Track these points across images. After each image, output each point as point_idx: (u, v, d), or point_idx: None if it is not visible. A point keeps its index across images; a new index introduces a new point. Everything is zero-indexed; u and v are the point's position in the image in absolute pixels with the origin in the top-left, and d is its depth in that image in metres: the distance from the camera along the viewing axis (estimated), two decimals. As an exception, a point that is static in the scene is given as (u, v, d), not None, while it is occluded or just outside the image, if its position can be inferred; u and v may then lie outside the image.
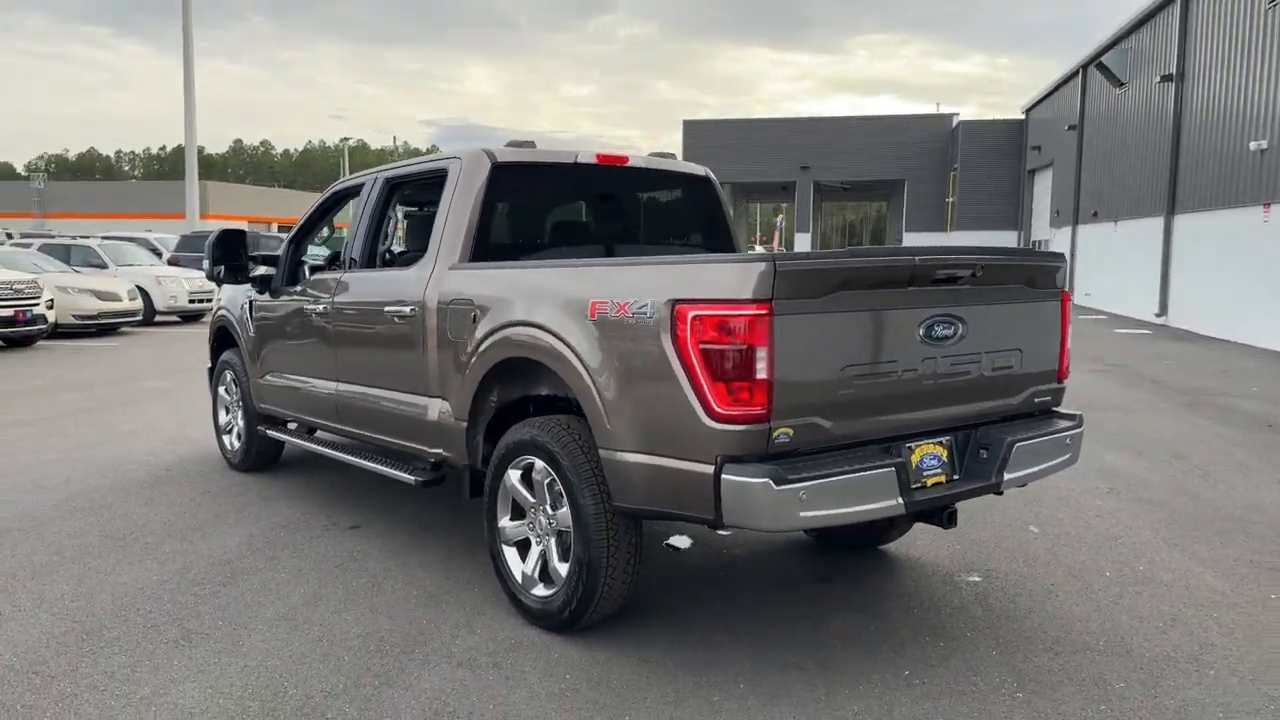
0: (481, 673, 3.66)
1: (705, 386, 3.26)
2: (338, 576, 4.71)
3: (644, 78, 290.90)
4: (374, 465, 5.14)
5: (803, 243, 43.15)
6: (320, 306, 5.55)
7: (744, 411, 3.23)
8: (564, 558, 3.94)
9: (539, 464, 3.97)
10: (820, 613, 4.27)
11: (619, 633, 4.02)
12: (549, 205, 5.46)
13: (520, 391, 4.31)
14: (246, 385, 6.57)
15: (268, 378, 6.28)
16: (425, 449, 4.75)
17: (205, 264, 6.17)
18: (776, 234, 76.00)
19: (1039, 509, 5.95)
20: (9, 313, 14.53)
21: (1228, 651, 3.86)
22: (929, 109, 55.15)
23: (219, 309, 7.03)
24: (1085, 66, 27.95)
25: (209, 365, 7.31)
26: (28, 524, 5.56)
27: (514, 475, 4.13)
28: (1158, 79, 21.10)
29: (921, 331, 3.62)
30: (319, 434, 6.17)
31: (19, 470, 6.88)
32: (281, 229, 48.24)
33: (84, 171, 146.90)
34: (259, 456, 6.74)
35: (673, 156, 5.49)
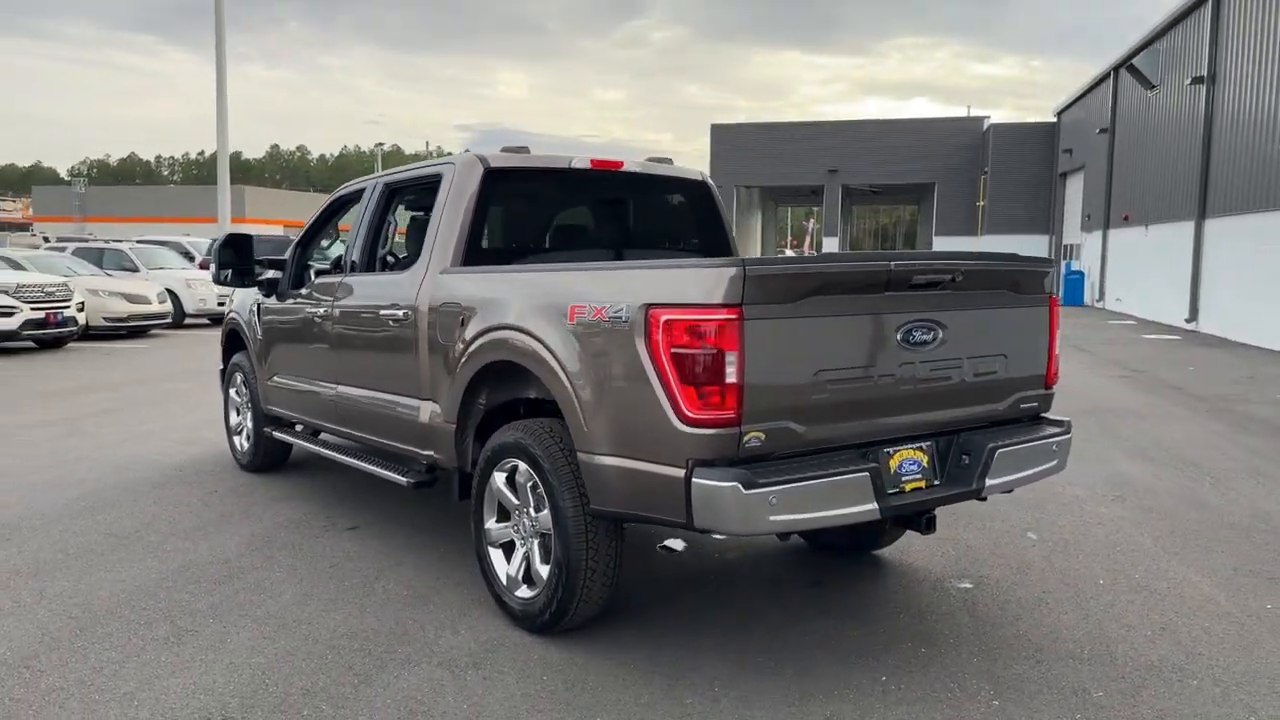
0: (460, 673, 3.69)
1: (676, 390, 3.28)
2: (330, 576, 4.77)
3: (675, 82, 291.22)
4: (368, 466, 5.20)
5: (831, 246, 42.96)
6: (321, 310, 5.63)
7: (714, 415, 3.25)
8: (546, 560, 3.97)
9: (522, 467, 4.01)
10: (806, 617, 4.27)
11: (602, 635, 4.04)
12: (544, 210, 5.50)
13: (509, 395, 4.35)
14: (255, 387, 6.67)
15: (274, 380, 6.38)
16: (418, 451, 4.80)
17: (212, 267, 6.28)
18: (808, 238, 75.76)
19: (1040, 515, 5.90)
20: (40, 315, 14.82)
21: (1214, 661, 3.82)
22: (961, 112, 54.57)
23: (230, 312, 7.15)
24: (1117, 68, 27.63)
25: (220, 367, 7.43)
26: (37, 521, 5.68)
27: (499, 478, 4.17)
28: (1189, 81, 20.81)
29: (899, 336, 3.61)
30: (322, 436, 6.25)
31: (36, 469, 7.03)
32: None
33: (125, 176, 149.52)
34: (267, 457, 6.84)
35: (669, 161, 5.50)
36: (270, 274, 6.29)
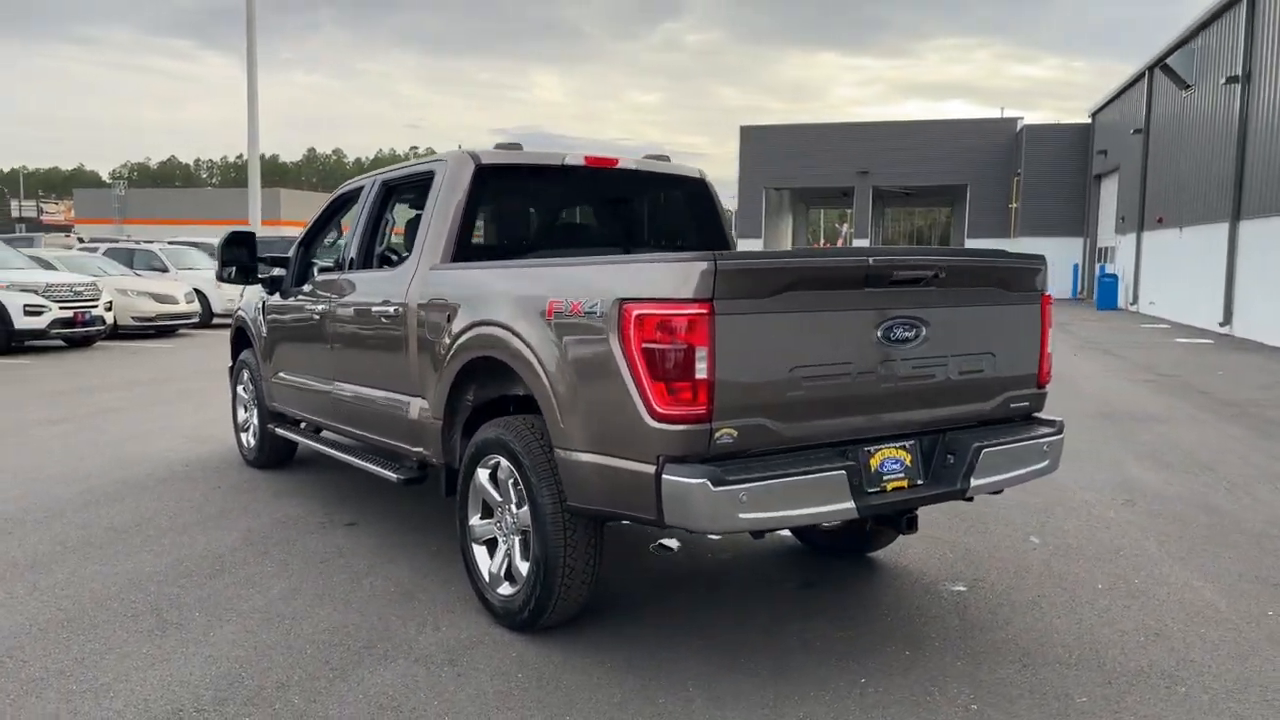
0: (436, 669, 3.68)
1: (647, 386, 3.25)
2: (320, 572, 4.78)
3: (710, 85, 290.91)
4: (360, 462, 5.21)
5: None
6: (320, 307, 5.65)
7: (685, 411, 3.21)
8: (526, 557, 3.95)
9: (504, 463, 3.99)
10: (793, 618, 4.21)
11: (583, 633, 4.01)
12: (538, 208, 5.49)
13: (497, 391, 4.34)
14: (260, 384, 6.72)
15: (278, 377, 6.42)
16: (408, 448, 4.80)
17: (216, 265, 6.33)
18: (840, 240, 75.41)
19: (1046, 519, 5.80)
20: (68, 314, 15.05)
21: (1206, 668, 3.72)
22: (995, 113, 53.83)
23: (238, 310, 7.21)
24: (1151, 68, 27.22)
25: (229, 364, 7.49)
26: (41, 515, 5.75)
27: (483, 474, 4.15)
28: (1223, 80, 20.44)
29: (879, 333, 3.55)
30: (323, 433, 6.27)
31: (47, 464, 7.12)
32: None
33: (165, 179, 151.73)
34: (273, 454, 6.88)
35: (666, 158, 5.47)
36: (274, 272, 6.33)
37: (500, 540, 4.12)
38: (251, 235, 6.28)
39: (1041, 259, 4.16)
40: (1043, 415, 4.27)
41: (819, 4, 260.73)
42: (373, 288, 5.11)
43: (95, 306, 15.63)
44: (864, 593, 4.56)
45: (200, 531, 5.44)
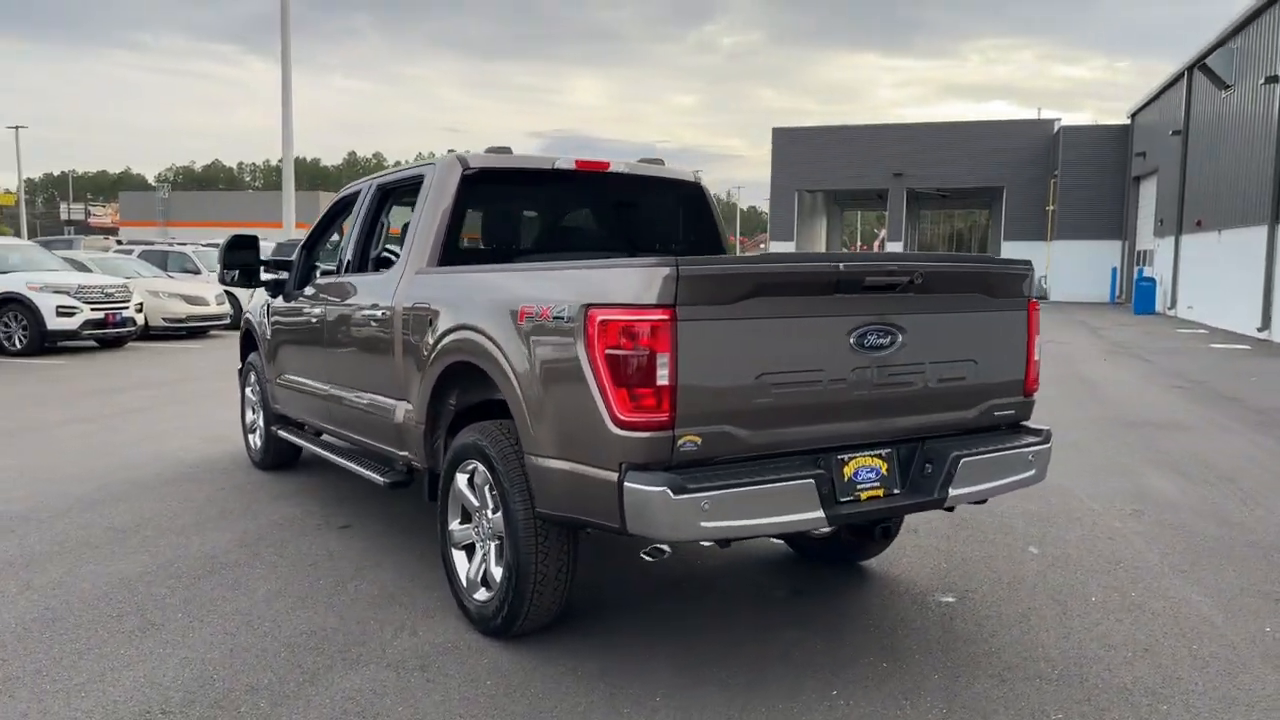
0: (406, 674, 3.67)
1: (610, 392, 3.22)
2: (307, 574, 4.80)
3: (748, 87, 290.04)
4: (350, 465, 5.23)
5: (894, 250, 42.31)
6: (316, 310, 5.69)
7: (647, 418, 3.17)
8: (501, 563, 3.93)
9: (480, 468, 3.98)
10: (774, 627, 4.16)
11: (560, 639, 3.99)
12: (528, 212, 5.48)
13: (478, 396, 4.32)
14: (265, 386, 6.78)
15: (280, 379, 6.47)
16: (395, 451, 4.81)
17: (218, 268, 6.39)
18: (877, 242, 74.81)
19: (1048, 528, 5.69)
20: (99, 315, 15.31)
21: (1192, 686, 3.61)
22: (1031, 114, 53.08)
23: (246, 312, 7.27)
24: (1190, 68, 26.72)
25: (239, 366, 7.57)
26: (45, 514, 5.84)
27: (461, 479, 4.14)
28: (1263, 80, 20.00)
29: (852, 340, 3.49)
30: (323, 435, 6.30)
31: (58, 464, 7.23)
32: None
33: (209, 182, 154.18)
34: (278, 455, 6.93)
35: (660, 162, 5.44)
36: (277, 274, 6.38)
37: (478, 545, 4.11)
38: (254, 239, 6.33)
39: (1027, 264, 4.07)
40: (1030, 424, 4.17)
41: (858, 4, 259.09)
42: (364, 291, 5.13)
43: (126, 308, 15.88)
44: (851, 602, 4.49)
45: (197, 533, 5.49)
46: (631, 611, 4.37)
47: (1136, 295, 29.49)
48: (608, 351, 3.21)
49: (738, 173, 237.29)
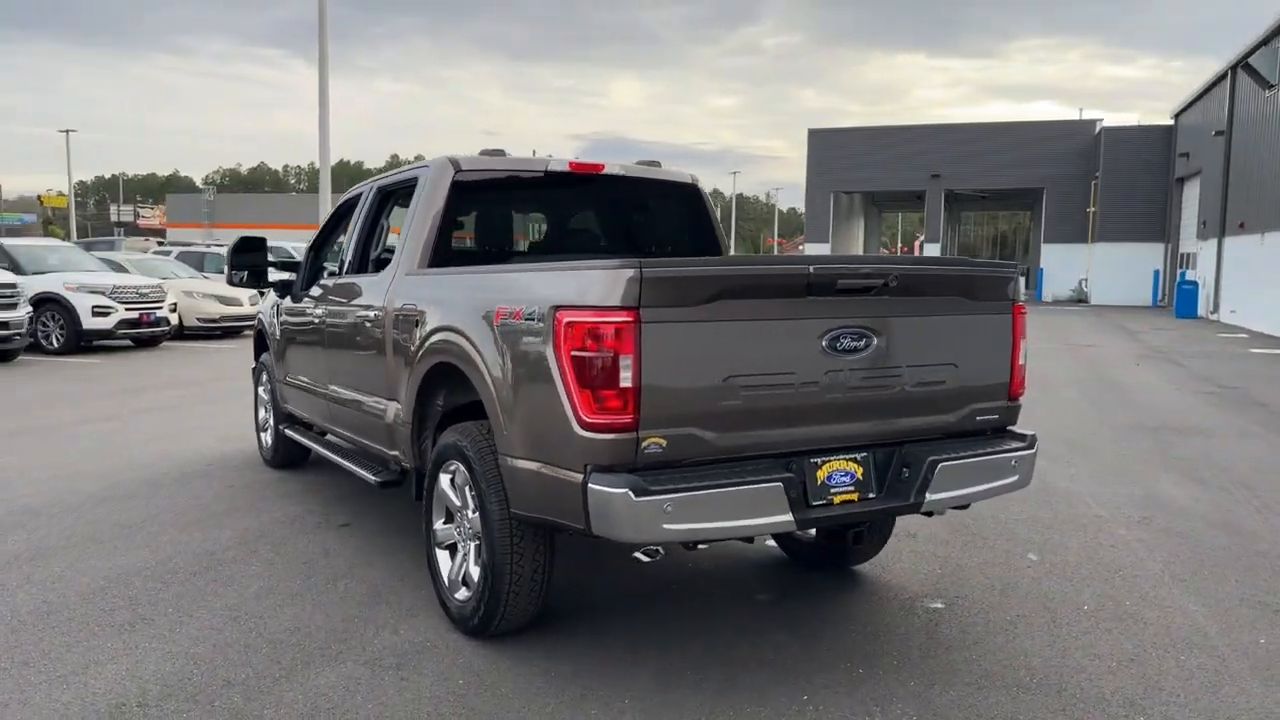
0: (381, 672, 3.71)
1: (574, 394, 3.23)
2: (301, 572, 4.86)
3: (789, 88, 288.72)
4: (344, 463, 5.29)
5: (932, 253, 41.89)
6: (318, 310, 5.76)
7: (610, 420, 3.18)
8: (480, 563, 3.95)
9: (461, 469, 4.00)
10: (754, 631, 4.14)
11: (539, 640, 4.00)
12: (522, 214, 5.50)
13: (465, 397, 4.34)
14: (275, 385, 6.87)
15: (288, 378, 6.55)
16: (386, 451, 4.86)
17: (226, 269, 6.49)
18: (917, 244, 74.19)
19: (1050, 534, 5.60)
20: (134, 315, 15.61)
21: (1173, 697, 3.54)
22: (1094, 115, 51.88)
23: (259, 312, 7.38)
24: (1234, 67, 26.18)
25: (253, 366, 7.68)
26: (56, 510, 5.97)
27: (445, 479, 4.17)
28: (1307, 79, 19.54)
29: (824, 343, 3.47)
30: (328, 435, 6.38)
31: (79, 461, 7.39)
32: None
33: (254, 185, 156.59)
34: (287, 454, 7.02)
35: (657, 164, 5.44)
36: (284, 276, 6.47)
37: (460, 545, 4.13)
38: (262, 240, 6.42)
39: (1012, 267, 4.02)
40: (1015, 429, 4.11)
41: (902, 5, 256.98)
42: (360, 292, 5.19)
43: (160, 308, 16.18)
44: (838, 606, 4.46)
45: (200, 529, 5.58)
46: (617, 613, 4.37)
47: (1178, 299, 28.94)
48: (573, 353, 3.22)
49: (777, 174, 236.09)
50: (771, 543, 5.22)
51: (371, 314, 4.89)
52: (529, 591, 3.82)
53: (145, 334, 16.12)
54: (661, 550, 4.57)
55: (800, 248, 66.66)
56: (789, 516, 3.34)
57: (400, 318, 4.57)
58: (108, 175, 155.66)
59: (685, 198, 5.53)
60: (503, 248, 5.28)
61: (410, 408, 4.45)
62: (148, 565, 4.93)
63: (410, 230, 4.79)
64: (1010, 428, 4.11)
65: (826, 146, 42.93)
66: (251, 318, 18.94)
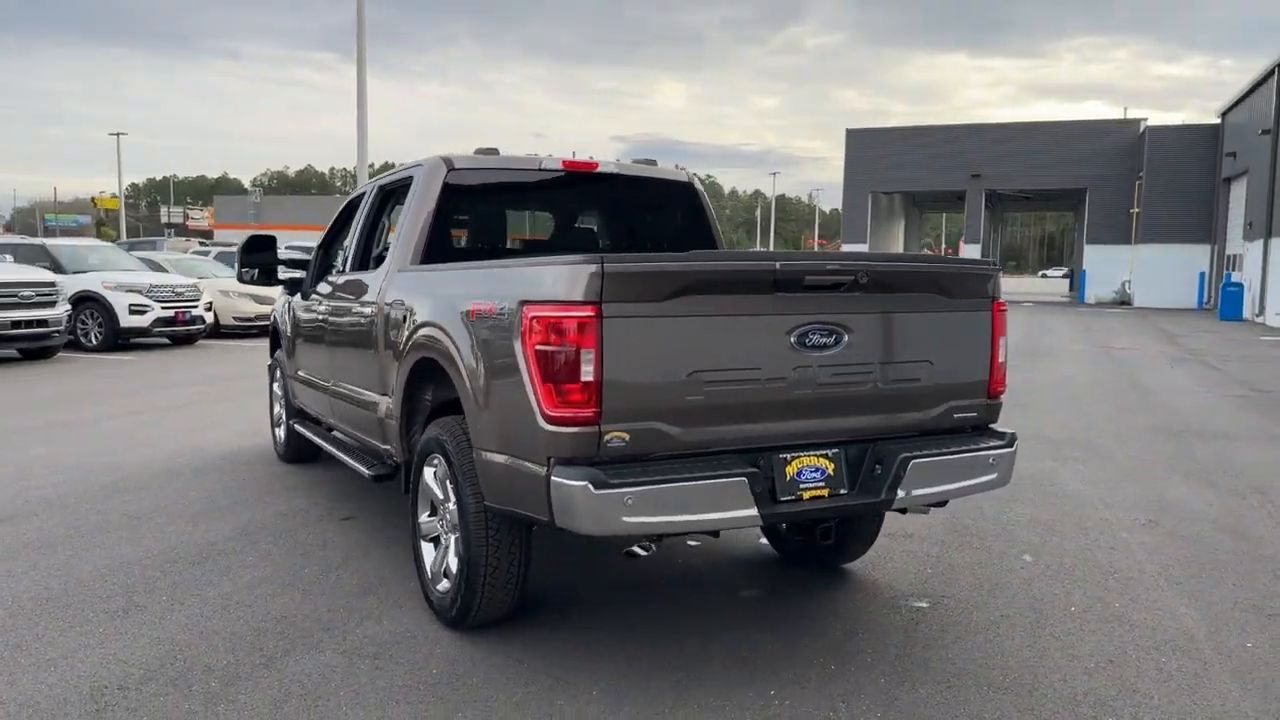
0: (357, 661, 3.77)
1: (538, 388, 3.27)
2: (297, 563, 4.95)
3: (832, 88, 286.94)
4: (343, 456, 5.38)
5: (972, 254, 41.42)
6: (322, 307, 5.86)
7: (572, 414, 3.21)
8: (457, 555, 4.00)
9: (442, 462, 4.06)
10: (733, 627, 4.15)
11: (518, 632, 4.04)
12: (515, 212, 5.55)
13: (451, 392, 4.39)
14: (285, 381, 7.00)
15: (297, 374, 6.67)
16: (379, 445, 4.94)
17: (235, 266, 6.62)
18: (962, 244, 73.39)
19: (1050, 536, 5.54)
20: (170, 313, 15.94)
21: (1147, 699, 3.50)
22: (1139, 115, 50.75)
23: (273, 309, 7.52)
24: (1281, 65, 25.58)
25: (269, 362, 7.82)
26: (70, 500, 6.13)
27: (429, 473, 4.24)
28: (1354, 76, 19.05)
29: (793, 339, 3.47)
30: (335, 431, 6.48)
31: (98, 453, 7.58)
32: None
33: (302, 187, 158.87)
34: (299, 448, 7.14)
35: (654, 163, 5.46)
36: (295, 274, 6.59)
37: (442, 538, 4.19)
38: (272, 239, 6.55)
39: (991, 264, 3.99)
40: (997, 427, 4.08)
41: (947, 4, 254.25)
42: (357, 288, 5.27)
43: (195, 306, 16.50)
44: (821, 604, 4.45)
45: (205, 520, 5.70)
46: (602, 607, 4.40)
47: (1222, 301, 28.36)
48: (537, 347, 3.26)
49: (819, 175, 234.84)
50: (764, 540, 5.23)
51: (366, 310, 4.98)
52: (505, 584, 3.86)
53: (181, 332, 16.45)
54: (653, 546, 4.61)
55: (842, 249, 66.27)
56: (753, 511, 3.35)
57: (390, 313, 4.65)
58: (159, 177, 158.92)
59: (682, 196, 5.56)
60: (496, 246, 5.34)
61: (399, 402, 4.52)
62: (149, 555, 5.05)
63: (403, 228, 4.86)
64: (992, 426, 4.08)
65: (864, 146, 42.62)
66: (286, 317, 19.33)
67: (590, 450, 3.23)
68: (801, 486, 3.54)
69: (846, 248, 43.07)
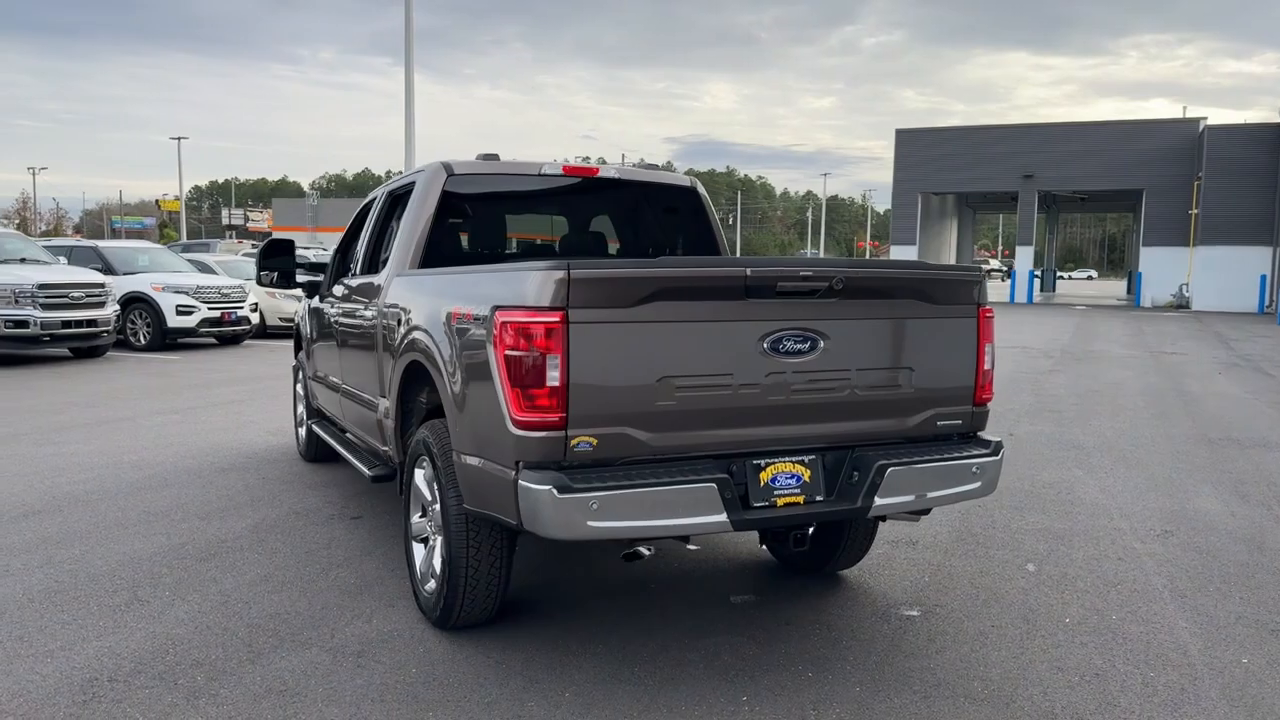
0: (340, 659, 3.84)
1: (508, 392, 3.30)
2: (300, 561, 5.05)
3: (888, 88, 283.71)
4: (348, 455, 5.47)
5: (1024, 256, 40.74)
6: (333, 310, 5.98)
7: (539, 418, 3.25)
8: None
9: (429, 464, 4.12)
10: (715, 632, 4.15)
11: (503, 633, 4.09)
12: (515, 217, 5.60)
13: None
14: (306, 382, 7.14)
15: (315, 374, 6.81)
16: (379, 445, 5.02)
17: (255, 270, 6.78)
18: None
19: (1057, 546, 5.45)
20: (216, 314, 16.32)
21: (1127, 714, 3.43)
22: (1198, 113, 49.45)
23: (296, 311, 7.67)
24: (1346, 61, 24.73)
25: (294, 363, 7.98)
26: (95, 496, 6.32)
27: (419, 474, 4.30)
28: None
29: (766, 345, 3.47)
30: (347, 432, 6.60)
31: (131, 451, 7.79)
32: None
33: (360, 189, 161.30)
34: (319, 448, 7.28)
35: (657, 168, 5.48)
36: (313, 277, 6.72)
37: (430, 539, 4.25)
38: (290, 243, 6.69)
39: (977, 270, 3.94)
40: (984, 435, 4.03)
41: (1007, 2, 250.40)
42: (362, 292, 5.37)
43: (241, 307, 16.87)
44: (809, 610, 4.43)
45: (219, 518, 5.84)
46: (590, 610, 4.42)
47: (1284, 305, 27.54)
48: (507, 352, 3.30)
49: (874, 175, 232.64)
50: (764, 547, 5.21)
51: (368, 313, 5.07)
52: (487, 586, 3.91)
53: (227, 332, 16.82)
54: (649, 551, 4.63)
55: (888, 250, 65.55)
56: (723, 517, 3.35)
57: (388, 317, 4.73)
58: (221, 180, 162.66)
59: (685, 201, 5.56)
60: (495, 251, 5.40)
61: (394, 404, 4.59)
62: (160, 551, 5.19)
63: (403, 233, 4.94)
64: (979, 433, 4.03)
65: (914, 146, 42.13)
66: (330, 317, 19.66)
67: (557, 454, 3.26)
68: (776, 493, 3.54)
69: (895, 250, 42.62)
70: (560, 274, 3.19)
